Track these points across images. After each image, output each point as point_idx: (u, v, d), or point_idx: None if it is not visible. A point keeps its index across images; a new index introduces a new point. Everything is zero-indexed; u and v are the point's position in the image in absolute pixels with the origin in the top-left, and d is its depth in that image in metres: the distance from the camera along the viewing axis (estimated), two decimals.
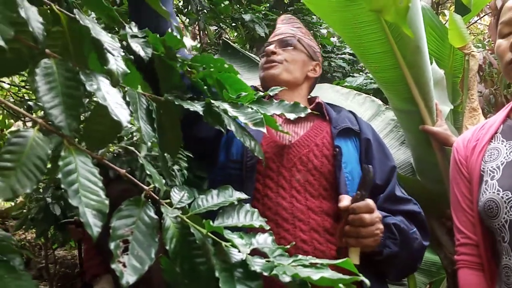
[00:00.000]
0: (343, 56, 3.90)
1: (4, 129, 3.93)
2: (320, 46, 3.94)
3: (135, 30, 0.83)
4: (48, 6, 0.67)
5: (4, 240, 0.77)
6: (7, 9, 0.57)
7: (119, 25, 0.74)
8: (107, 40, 0.68)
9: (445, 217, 1.64)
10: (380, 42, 1.45)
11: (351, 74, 3.71)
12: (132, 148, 0.70)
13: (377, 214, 0.98)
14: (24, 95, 3.72)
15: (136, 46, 0.77)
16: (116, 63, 0.67)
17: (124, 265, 0.49)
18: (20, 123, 4.17)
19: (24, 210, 3.25)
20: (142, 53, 0.76)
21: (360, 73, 3.83)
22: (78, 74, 0.60)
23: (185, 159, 1.95)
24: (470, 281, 1.05)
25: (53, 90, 0.57)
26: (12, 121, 4.32)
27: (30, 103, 2.79)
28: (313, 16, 4.11)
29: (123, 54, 0.69)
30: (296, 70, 1.22)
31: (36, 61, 0.61)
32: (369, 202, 0.96)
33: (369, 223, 0.95)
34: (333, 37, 4.55)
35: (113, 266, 0.49)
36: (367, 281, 0.51)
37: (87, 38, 0.68)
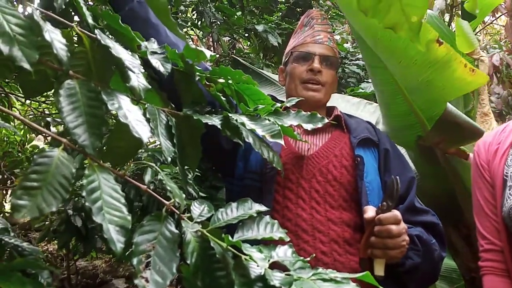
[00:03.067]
0: (357, 62, 3.88)
1: (26, 144, 4.02)
2: None
3: (154, 46, 0.85)
4: (71, 28, 0.70)
5: (33, 255, 0.79)
6: (32, 33, 0.60)
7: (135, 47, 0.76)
8: (128, 58, 0.70)
9: (461, 224, 1.61)
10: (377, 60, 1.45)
11: (365, 80, 3.70)
12: (153, 164, 0.71)
13: (404, 225, 0.97)
14: (45, 110, 3.82)
15: (155, 62, 0.79)
16: (138, 79, 0.70)
17: (147, 280, 0.50)
18: (41, 137, 4.28)
19: (46, 222, 3.32)
20: (161, 69, 0.78)
21: None
22: (100, 94, 0.62)
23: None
24: (496, 287, 1.04)
25: (76, 110, 0.59)
26: (33, 135, 4.43)
27: (48, 119, 2.86)
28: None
29: (143, 71, 0.71)
30: (332, 91, 1.25)
31: (61, 81, 0.64)
32: (396, 213, 0.96)
33: (397, 234, 0.94)
34: (347, 43, 4.55)
35: (136, 281, 0.50)
36: None
37: (109, 57, 0.71)
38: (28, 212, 0.48)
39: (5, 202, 4.34)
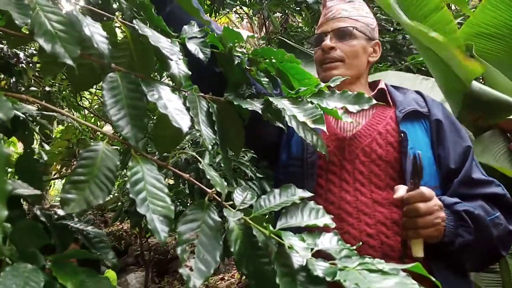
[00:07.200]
0: None
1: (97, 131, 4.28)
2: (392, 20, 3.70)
3: (195, 29, 0.84)
4: (112, 20, 0.71)
5: (97, 237, 0.84)
6: (73, 29, 0.61)
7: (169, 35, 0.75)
8: (166, 45, 0.70)
9: None
10: None
11: None
12: (196, 156, 0.72)
13: (435, 202, 0.91)
14: None
15: (194, 48, 0.78)
16: (178, 67, 0.69)
17: (191, 269, 0.51)
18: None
19: (119, 203, 3.55)
20: (201, 55, 0.77)
21: None
22: (140, 85, 0.63)
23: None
24: None
25: (118, 102, 0.60)
26: (103, 122, 4.72)
27: None
28: None
29: (182, 57, 0.70)
30: (358, 62, 1.13)
31: (106, 74, 0.65)
32: (423, 190, 0.90)
33: (425, 212, 0.89)
34: None
35: (180, 270, 0.50)
36: (438, 284, 0.48)
37: (149, 46, 0.71)
38: (76, 205, 0.50)
39: None
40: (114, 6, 0.78)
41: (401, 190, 0.92)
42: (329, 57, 1.11)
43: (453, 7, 4.82)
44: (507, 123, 1.49)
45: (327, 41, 1.11)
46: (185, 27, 0.83)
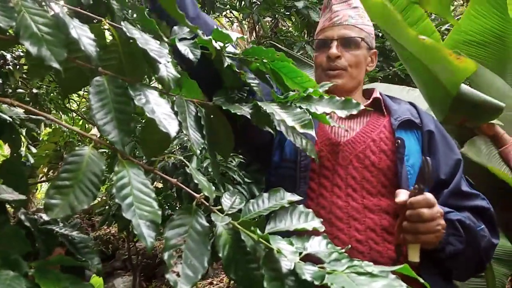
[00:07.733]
0: None
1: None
2: None
3: (185, 30, 0.83)
4: (100, 22, 0.70)
5: (82, 243, 0.82)
6: (60, 32, 0.60)
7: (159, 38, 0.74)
8: (155, 48, 0.69)
9: None
10: None
11: None
12: (184, 160, 0.72)
13: (438, 209, 0.91)
14: None
15: (184, 49, 0.77)
16: (167, 69, 0.68)
17: (178, 275, 0.50)
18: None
19: (107, 207, 3.51)
20: (191, 56, 0.76)
21: None
22: (127, 89, 0.62)
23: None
24: None
25: (105, 106, 0.59)
26: (91, 125, 4.66)
27: None
28: None
29: (170, 60, 0.69)
30: (359, 71, 1.14)
31: (94, 77, 0.64)
32: (428, 196, 0.90)
33: (429, 218, 0.89)
34: None
35: (167, 276, 0.50)
36: (428, 286, 0.48)
37: (137, 49, 0.70)
38: (60, 210, 0.49)
39: None
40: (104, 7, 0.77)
41: (402, 195, 0.92)
42: (334, 66, 1.11)
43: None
44: (488, 128, 1.52)
45: (334, 50, 1.11)
46: (175, 27, 0.83)
